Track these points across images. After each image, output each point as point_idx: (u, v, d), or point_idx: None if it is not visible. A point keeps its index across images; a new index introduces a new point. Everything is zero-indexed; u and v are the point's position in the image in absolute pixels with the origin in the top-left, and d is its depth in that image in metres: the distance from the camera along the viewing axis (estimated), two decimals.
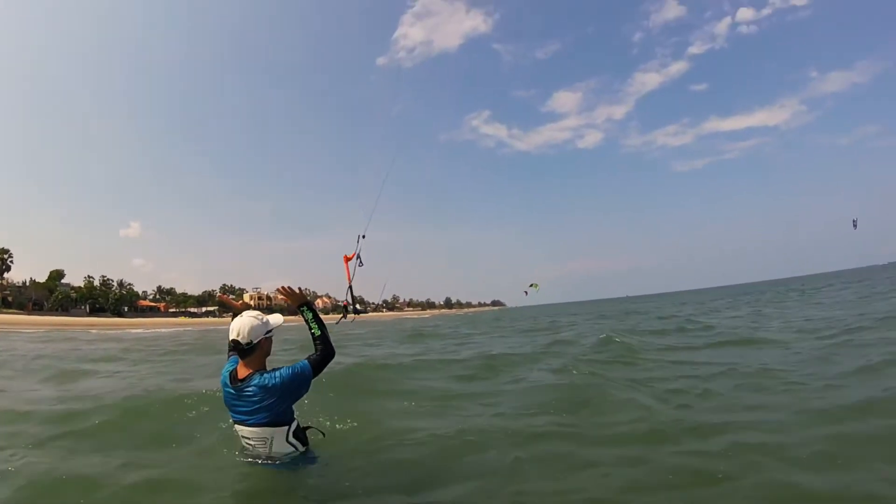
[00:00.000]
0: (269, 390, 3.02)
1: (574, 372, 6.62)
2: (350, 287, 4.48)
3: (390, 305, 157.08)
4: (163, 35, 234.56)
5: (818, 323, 11.79)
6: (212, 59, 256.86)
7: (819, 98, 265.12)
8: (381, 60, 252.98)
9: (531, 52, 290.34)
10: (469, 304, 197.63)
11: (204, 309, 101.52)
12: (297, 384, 3.09)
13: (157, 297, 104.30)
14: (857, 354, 6.69)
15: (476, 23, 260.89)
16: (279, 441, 3.14)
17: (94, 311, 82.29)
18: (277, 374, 3.08)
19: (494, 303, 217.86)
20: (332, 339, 3.26)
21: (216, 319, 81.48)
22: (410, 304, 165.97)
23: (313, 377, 3.15)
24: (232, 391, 3.12)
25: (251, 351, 3.12)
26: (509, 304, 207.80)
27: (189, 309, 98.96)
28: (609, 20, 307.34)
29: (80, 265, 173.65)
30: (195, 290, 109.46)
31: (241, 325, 3.10)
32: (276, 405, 3.05)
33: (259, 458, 3.19)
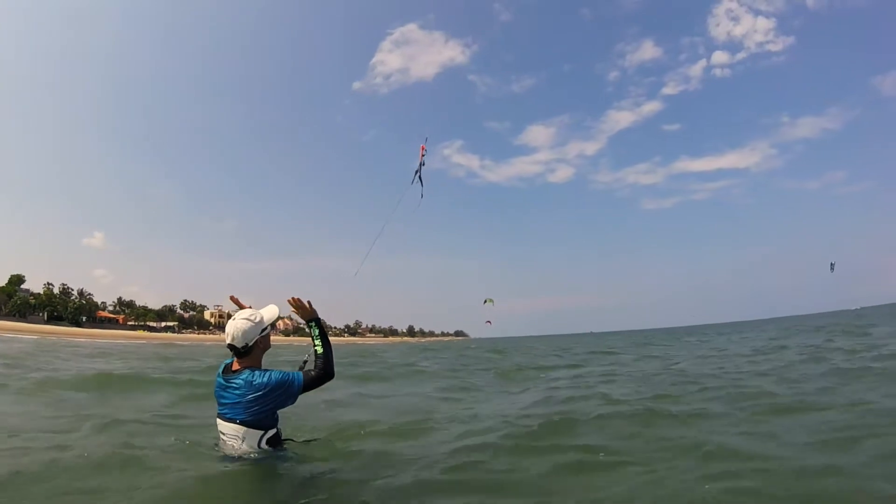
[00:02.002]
0: (254, 387, 3.07)
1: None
2: (421, 163, 5.81)
3: (352, 331, 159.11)
4: (137, 45, 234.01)
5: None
6: (185, 75, 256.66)
7: (789, 142, 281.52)
8: (357, 85, 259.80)
9: (507, 85, 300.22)
10: (432, 333, 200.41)
11: (163, 324, 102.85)
12: (281, 391, 3.10)
13: (117, 309, 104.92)
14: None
15: (454, 53, 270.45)
16: (251, 443, 3.15)
17: (52, 320, 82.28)
18: (267, 374, 3.12)
19: (458, 333, 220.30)
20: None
21: (174, 335, 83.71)
22: (373, 330, 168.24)
23: (302, 392, 3.17)
24: (222, 381, 3.19)
25: (248, 352, 3.19)
26: (472, 334, 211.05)
27: (148, 323, 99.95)
28: (585, 58, 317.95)
29: (39, 272, 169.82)
30: (155, 304, 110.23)
31: (234, 330, 3.15)
32: (256, 404, 3.08)
33: (226, 455, 3.22)
